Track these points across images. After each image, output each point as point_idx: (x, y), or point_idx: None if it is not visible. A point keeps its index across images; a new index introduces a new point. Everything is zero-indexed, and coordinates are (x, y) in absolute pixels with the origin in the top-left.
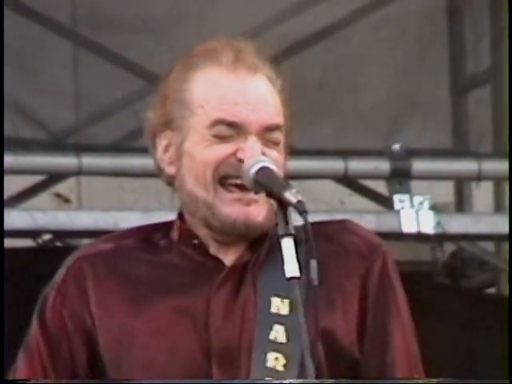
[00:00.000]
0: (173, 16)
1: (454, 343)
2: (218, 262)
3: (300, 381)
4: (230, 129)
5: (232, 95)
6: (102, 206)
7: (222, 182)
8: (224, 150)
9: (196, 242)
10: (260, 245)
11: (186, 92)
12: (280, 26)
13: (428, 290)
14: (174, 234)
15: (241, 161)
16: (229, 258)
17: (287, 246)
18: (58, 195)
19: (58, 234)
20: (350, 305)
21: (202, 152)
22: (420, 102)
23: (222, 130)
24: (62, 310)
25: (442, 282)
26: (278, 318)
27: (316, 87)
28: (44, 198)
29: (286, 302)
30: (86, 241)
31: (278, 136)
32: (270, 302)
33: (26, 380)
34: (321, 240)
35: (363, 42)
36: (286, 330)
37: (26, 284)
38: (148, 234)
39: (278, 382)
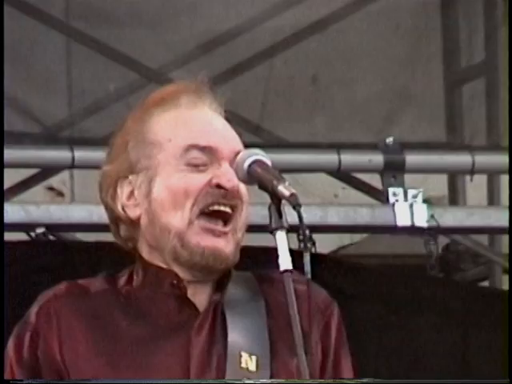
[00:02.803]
0: (166, 9)
1: (448, 336)
2: (191, 307)
3: (299, 381)
4: (204, 154)
5: (199, 125)
6: (95, 199)
7: (203, 212)
8: (200, 179)
9: (175, 282)
10: (225, 284)
11: (149, 133)
12: (273, 19)
13: (422, 284)
14: (137, 281)
15: (218, 186)
16: (201, 301)
17: (281, 239)
18: (52, 188)
19: (52, 227)
20: (314, 350)
21: (178, 182)
22: (414, 95)
23: (196, 155)
24: (36, 351)
25: (435, 276)
26: (248, 374)
27: (310, 81)
28: (37, 191)
29: (254, 358)
30: (79, 234)
31: None
32: (240, 355)
33: (26, 380)
34: (271, 288)
35: (357, 36)
36: None
37: (20, 277)
38: (112, 279)
39: (280, 382)
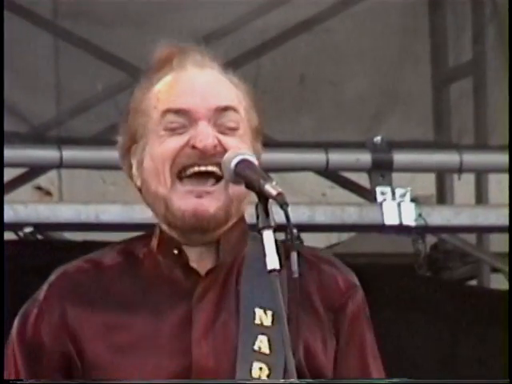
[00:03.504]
0: (154, 9)
1: (437, 335)
2: (195, 274)
3: (298, 381)
4: (179, 117)
5: (179, 87)
6: (83, 198)
7: (181, 175)
8: (177, 141)
9: (176, 251)
10: (237, 247)
11: (145, 100)
12: (261, 19)
13: (410, 283)
14: (153, 243)
15: (194, 147)
16: (206, 266)
17: (268, 238)
18: (39, 188)
19: (40, 226)
20: (327, 337)
21: (157, 149)
22: (401, 94)
23: (172, 119)
24: (42, 328)
25: (423, 274)
26: (262, 329)
27: (297, 80)
28: (25, 190)
29: (269, 313)
30: (67, 234)
31: (233, 119)
32: (253, 312)
33: (26, 380)
34: (301, 262)
35: (344, 35)
36: (270, 341)
37: (8, 277)
38: (128, 247)
39: (275, 381)
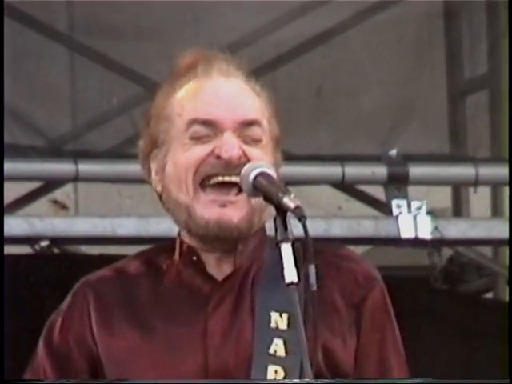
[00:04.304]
0: (170, 22)
1: (452, 348)
2: (212, 281)
3: (300, 381)
4: (205, 127)
5: (205, 97)
6: (99, 212)
7: (204, 183)
8: (201, 150)
9: (195, 258)
10: (255, 253)
11: (168, 106)
12: (277, 32)
13: (426, 295)
14: (176, 254)
15: (219, 157)
16: (224, 272)
17: (286, 251)
18: (56, 201)
19: (56, 240)
20: (347, 332)
21: (181, 156)
22: (417, 106)
23: (197, 129)
24: (67, 335)
25: (439, 287)
26: (277, 333)
27: (314, 92)
28: (41, 204)
29: (285, 316)
30: (83, 247)
31: (257, 132)
32: (269, 316)
33: (27, 380)
34: (318, 261)
35: (360, 47)
36: (285, 344)
37: (25, 291)
38: (152, 257)
39: (280, 381)
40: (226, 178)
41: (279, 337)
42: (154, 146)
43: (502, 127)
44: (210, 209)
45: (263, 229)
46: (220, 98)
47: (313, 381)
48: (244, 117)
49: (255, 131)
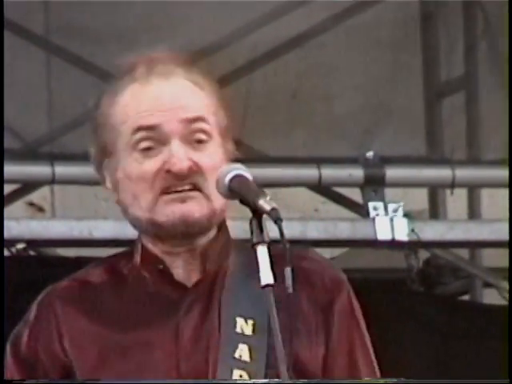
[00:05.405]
0: (145, 25)
1: (429, 350)
2: (181, 288)
3: (300, 381)
4: (150, 133)
5: (147, 104)
6: (75, 214)
7: (162, 193)
8: (153, 165)
9: (161, 267)
10: (221, 257)
11: (113, 115)
12: (252, 35)
13: (402, 298)
14: (136, 259)
15: (169, 171)
16: (192, 278)
17: (262, 253)
18: (32, 204)
19: (32, 242)
20: (313, 336)
21: (133, 171)
22: (394, 109)
23: (143, 136)
24: (36, 346)
25: (416, 289)
26: (243, 338)
27: (289, 95)
28: (17, 206)
29: (250, 322)
30: (60, 250)
31: (205, 129)
32: (234, 321)
33: (26, 380)
34: (283, 264)
35: (336, 50)
36: (250, 350)
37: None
38: (113, 264)
39: (277, 381)
40: (179, 188)
41: (244, 342)
42: (104, 155)
43: (478, 129)
44: (171, 207)
45: (226, 229)
46: (162, 101)
47: (313, 381)
48: (187, 115)
49: (201, 128)
